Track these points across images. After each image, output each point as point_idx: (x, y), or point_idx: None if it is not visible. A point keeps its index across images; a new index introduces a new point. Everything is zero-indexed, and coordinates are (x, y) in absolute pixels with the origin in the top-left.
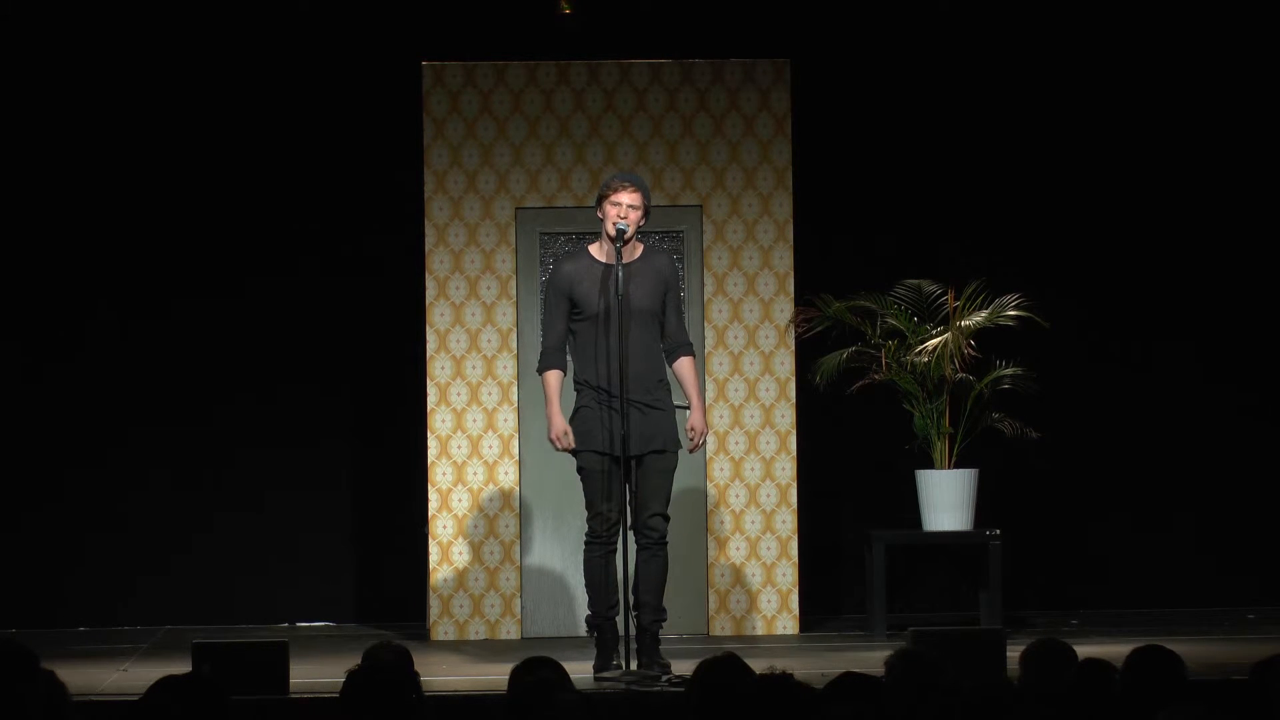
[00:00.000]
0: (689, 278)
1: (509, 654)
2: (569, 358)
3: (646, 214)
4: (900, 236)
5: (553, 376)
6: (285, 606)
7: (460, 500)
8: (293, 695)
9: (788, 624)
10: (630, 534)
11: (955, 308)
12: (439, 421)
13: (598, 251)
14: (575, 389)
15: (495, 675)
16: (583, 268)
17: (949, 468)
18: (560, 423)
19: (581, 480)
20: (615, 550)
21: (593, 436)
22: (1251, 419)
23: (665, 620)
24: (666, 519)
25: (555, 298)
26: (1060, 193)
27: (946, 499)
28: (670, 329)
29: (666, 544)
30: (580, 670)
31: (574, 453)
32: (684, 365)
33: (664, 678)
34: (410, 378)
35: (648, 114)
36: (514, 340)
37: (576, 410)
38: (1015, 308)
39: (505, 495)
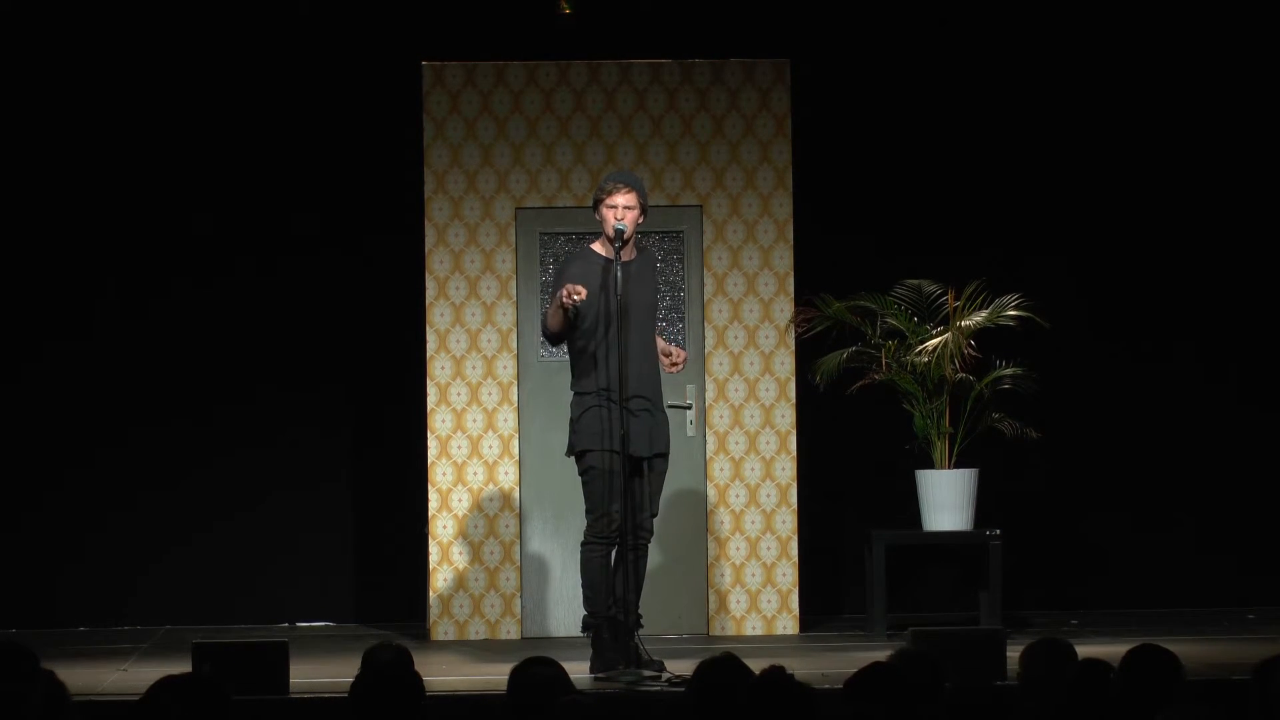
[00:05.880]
0: (689, 278)
1: (509, 654)
2: (571, 369)
3: (644, 212)
4: (900, 236)
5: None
6: (285, 606)
7: (460, 500)
8: (293, 695)
9: (788, 624)
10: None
11: (955, 308)
12: (439, 421)
13: (601, 248)
14: (579, 399)
15: (495, 675)
16: (589, 268)
17: (949, 468)
18: (564, 289)
19: (586, 480)
20: (613, 550)
21: (602, 436)
22: (1252, 418)
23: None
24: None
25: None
26: (1061, 193)
27: (946, 499)
28: None
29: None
30: (580, 670)
31: (579, 454)
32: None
33: (664, 677)
34: (410, 378)
35: (648, 114)
36: (514, 340)
37: (585, 410)
38: (1015, 308)
39: (505, 495)
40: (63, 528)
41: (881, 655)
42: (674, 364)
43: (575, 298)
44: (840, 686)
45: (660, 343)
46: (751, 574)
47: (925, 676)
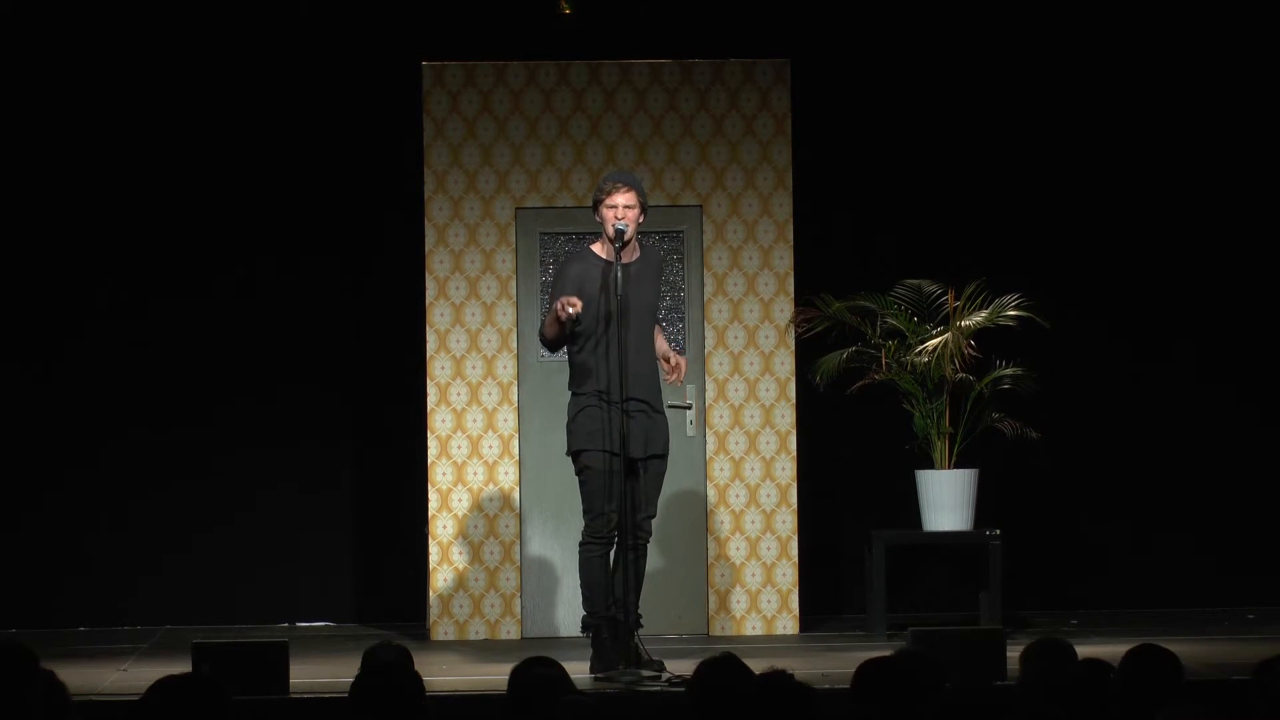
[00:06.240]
0: (689, 278)
1: (509, 654)
2: (569, 370)
3: (644, 211)
4: (900, 236)
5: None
6: (285, 606)
7: (460, 500)
8: (293, 695)
9: (788, 624)
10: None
11: (955, 308)
12: (439, 421)
13: (601, 250)
14: (575, 399)
15: (495, 675)
16: (589, 269)
17: (949, 468)
18: (561, 299)
19: (583, 480)
20: (612, 550)
21: (599, 436)
22: (1251, 419)
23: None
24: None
25: (568, 291)
26: (1060, 193)
27: (946, 499)
28: None
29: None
30: (580, 670)
31: (575, 455)
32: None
33: (664, 677)
34: (410, 378)
35: (648, 114)
36: (514, 340)
37: (581, 410)
38: (1015, 308)
39: (505, 495)
40: (63, 528)
41: (882, 655)
42: (672, 372)
43: (571, 310)
44: (839, 687)
45: (661, 344)
46: (751, 574)
47: (925, 676)
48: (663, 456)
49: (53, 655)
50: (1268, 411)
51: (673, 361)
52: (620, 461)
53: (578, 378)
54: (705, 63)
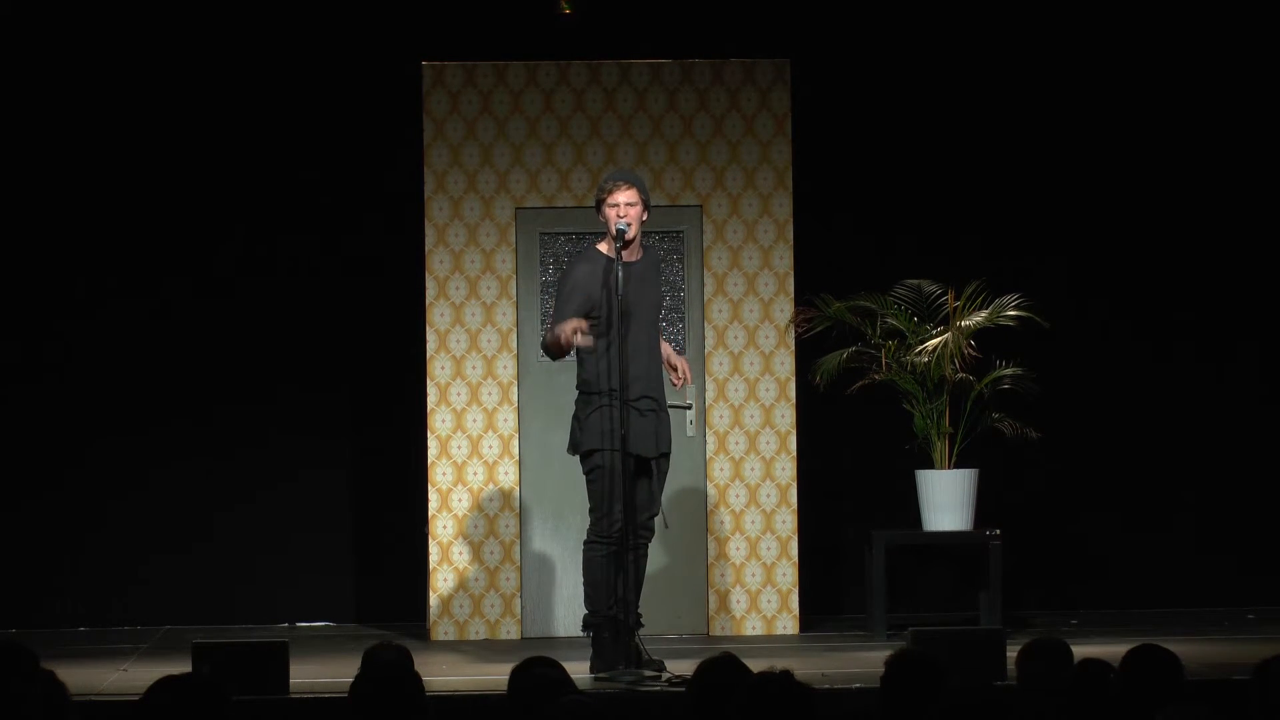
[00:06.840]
0: (689, 278)
1: (509, 654)
2: (579, 368)
3: (647, 208)
4: (900, 236)
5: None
6: (285, 606)
7: (460, 500)
8: (293, 695)
9: (788, 624)
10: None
11: (955, 308)
12: (439, 421)
13: (606, 248)
14: (586, 398)
15: (495, 675)
16: (597, 269)
17: (949, 468)
18: (570, 323)
19: (591, 479)
20: (615, 549)
21: (610, 435)
22: (1252, 419)
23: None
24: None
25: (577, 295)
26: (1061, 193)
27: (946, 499)
28: None
29: None
30: (580, 670)
31: (585, 454)
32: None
33: (664, 677)
34: (410, 378)
35: (648, 114)
36: (514, 340)
37: (592, 411)
38: (1015, 308)
39: (505, 495)
40: (63, 528)
41: (881, 655)
42: (679, 378)
43: (579, 340)
44: (839, 687)
45: (664, 346)
46: (751, 574)
47: (925, 676)
48: (669, 455)
49: (53, 655)
50: (1268, 411)
51: (679, 368)
52: (627, 460)
53: (587, 375)
54: (705, 63)
